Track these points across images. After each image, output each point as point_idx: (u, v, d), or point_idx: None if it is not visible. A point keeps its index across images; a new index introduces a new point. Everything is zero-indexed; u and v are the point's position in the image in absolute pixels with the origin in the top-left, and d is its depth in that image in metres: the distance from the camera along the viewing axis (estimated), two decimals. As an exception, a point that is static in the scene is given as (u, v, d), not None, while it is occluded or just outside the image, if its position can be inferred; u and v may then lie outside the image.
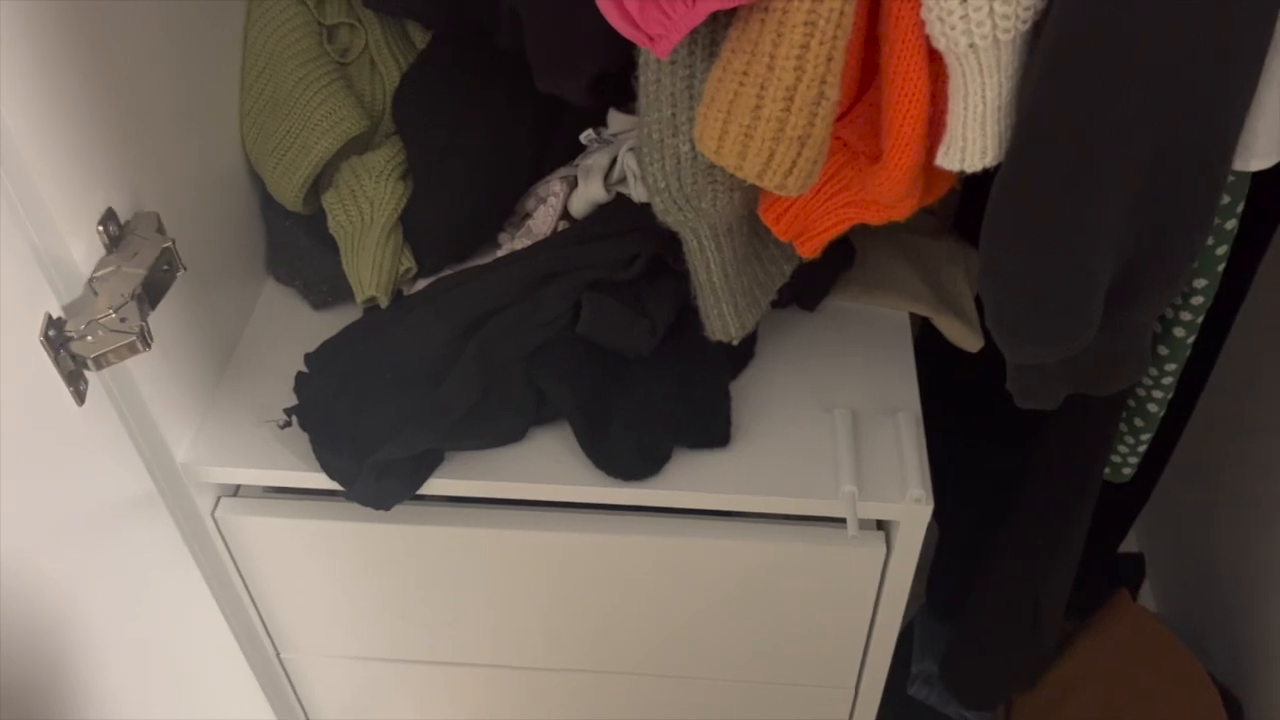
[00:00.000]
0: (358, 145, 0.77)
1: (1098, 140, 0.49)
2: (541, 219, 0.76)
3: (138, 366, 0.65)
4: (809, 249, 0.64)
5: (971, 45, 0.48)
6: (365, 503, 0.72)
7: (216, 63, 0.76)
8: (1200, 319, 0.75)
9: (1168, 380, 0.80)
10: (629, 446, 0.72)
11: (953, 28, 0.48)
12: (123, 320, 0.59)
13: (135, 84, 0.65)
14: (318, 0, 0.79)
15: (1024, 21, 0.48)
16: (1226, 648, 1.11)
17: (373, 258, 0.75)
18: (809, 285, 0.80)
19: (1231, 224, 0.70)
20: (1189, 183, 0.52)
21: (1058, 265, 0.54)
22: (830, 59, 0.50)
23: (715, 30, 0.55)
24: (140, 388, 0.66)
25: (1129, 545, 1.23)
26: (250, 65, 0.78)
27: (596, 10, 0.53)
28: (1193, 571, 1.22)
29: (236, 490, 0.78)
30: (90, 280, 0.60)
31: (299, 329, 0.79)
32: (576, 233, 0.76)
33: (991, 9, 0.47)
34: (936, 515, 1.06)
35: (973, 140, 0.51)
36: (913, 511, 0.71)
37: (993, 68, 0.49)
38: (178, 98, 0.71)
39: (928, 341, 0.86)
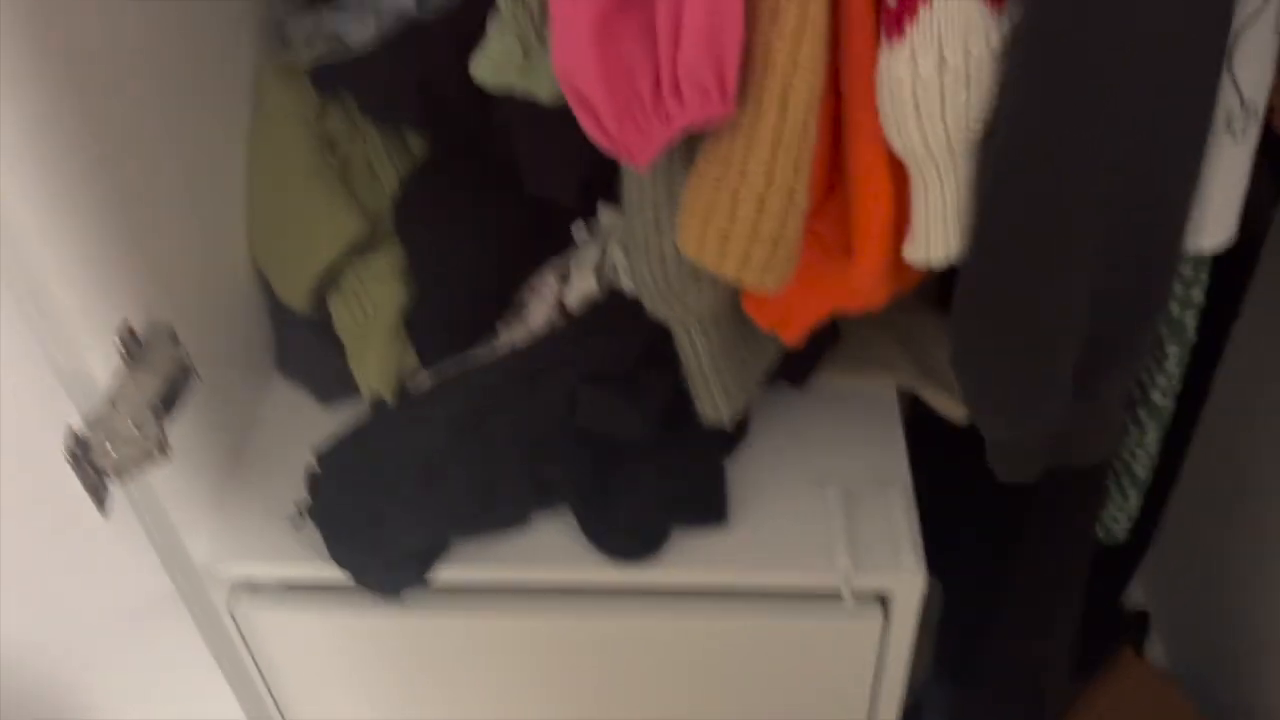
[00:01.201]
0: (360, 249, 0.81)
1: (1050, 235, 0.53)
2: (536, 311, 0.80)
3: (154, 472, 0.67)
4: (791, 337, 0.67)
5: (928, 151, 0.52)
6: (376, 592, 0.75)
7: (224, 175, 0.80)
8: (1176, 384, 0.78)
9: (1150, 442, 0.82)
10: (628, 528, 0.75)
11: (909, 136, 0.51)
12: (141, 431, 0.62)
13: (147, 199, 0.69)
14: (319, 114, 0.83)
15: (976, 128, 0.51)
16: (1236, 701, 1.12)
17: (377, 355, 0.78)
18: (798, 364, 0.83)
19: (1197, 293, 0.73)
20: (1142, 268, 0.55)
21: (1022, 352, 0.57)
22: (797, 168, 0.53)
23: (692, 140, 0.59)
24: (157, 492, 0.69)
25: (1134, 601, 1.25)
26: (258, 178, 0.82)
27: (581, 127, 0.57)
28: (1198, 625, 1.22)
29: (254, 586, 0.80)
30: (110, 394, 0.63)
31: (307, 425, 0.82)
32: (572, 328, 0.79)
33: (944, 119, 0.50)
34: (941, 583, 1.09)
35: (935, 237, 0.55)
36: (907, 582, 0.73)
37: (950, 170, 0.53)
38: (187, 210, 0.74)
39: (920, 412, 0.88)
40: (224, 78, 0.80)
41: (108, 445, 0.61)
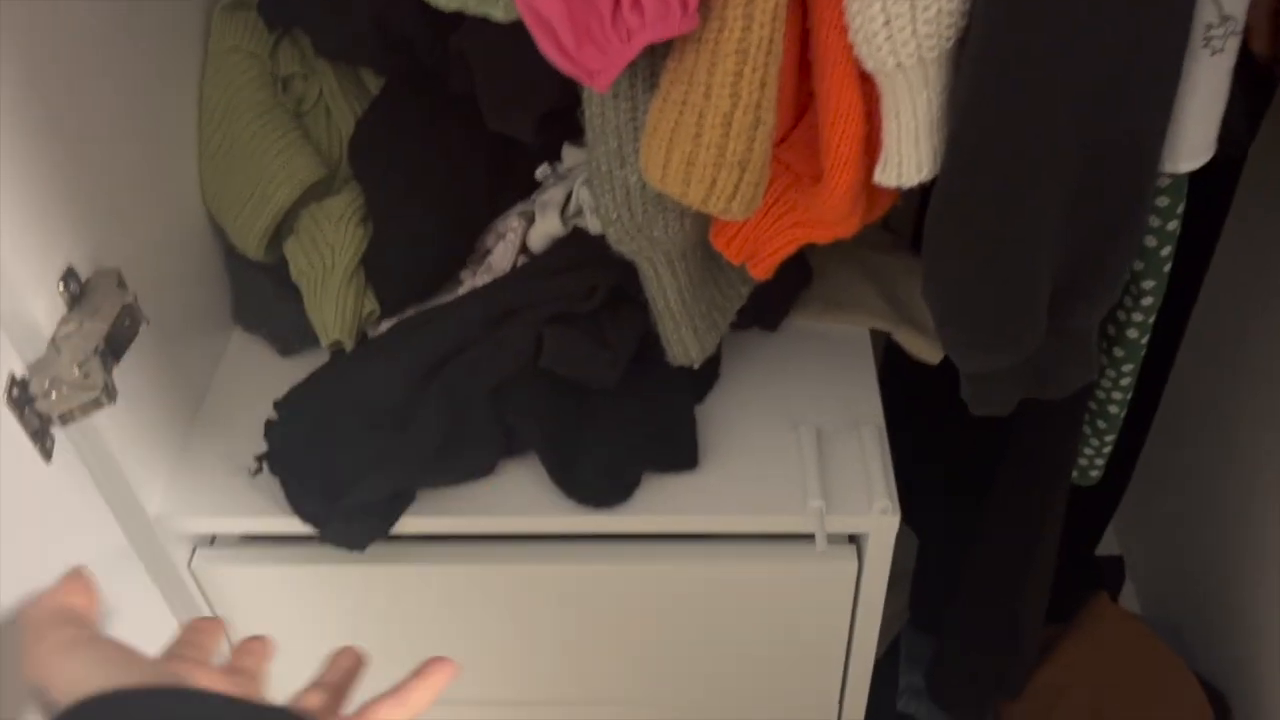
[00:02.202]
0: (317, 192, 0.78)
1: (1025, 151, 0.51)
2: (501, 255, 0.78)
3: (105, 420, 0.65)
4: (761, 270, 0.65)
5: (898, 65, 0.50)
6: (339, 544, 0.73)
7: (174, 118, 0.77)
8: (1152, 319, 0.77)
9: (1126, 381, 0.81)
10: (598, 474, 0.73)
11: (878, 49, 0.49)
12: (86, 376, 0.59)
13: (92, 143, 0.66)
14: (272, 52, 0.80)
15: (947, 40, 0.49)
16: (1211, 644, 1.12)
17: (335, 302, 0.76)
18: (769, 306, 0.81)
19: (1173, 225, 0.71)
20: (1117, 188, 0.54)
21: (996, 274, 0.55)
22: (764, 84, 0.51)
23: (654, 62, 0.56)
24: (108, 442, 0.67)
25: (1108, 548, 1.25)
26: (207, 119, 0.79)
27: (539, 50, 0.54)
28: (1173, 570, 1.23)
29: (213, 540, 0.78)
30: (53, 339, 0.61)
31: (268, 376, 0.79)
32: (535, 267, 0.77)
33: (915, 29, 0.48)
34: (914, 528, 1.08)
35: (907, 157, 0.53)
36: (881, 523, 0.72)
37: (920, 85, 0.51)
38: (135, 154, 0.72)
39: (893, 355, 0.87)
40: (172, 13, 0.77)
41: (51, 390, 0.59)
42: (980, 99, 0.50)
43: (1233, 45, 0.53)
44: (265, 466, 0.74)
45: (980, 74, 0.49)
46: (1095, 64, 0.49)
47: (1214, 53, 0.53)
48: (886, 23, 0.48)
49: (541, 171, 0.79)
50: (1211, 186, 0.69)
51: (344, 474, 0.71)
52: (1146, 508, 1.21)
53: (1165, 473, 1.17)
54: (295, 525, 0.72)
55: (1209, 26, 0.52)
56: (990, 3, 0.48)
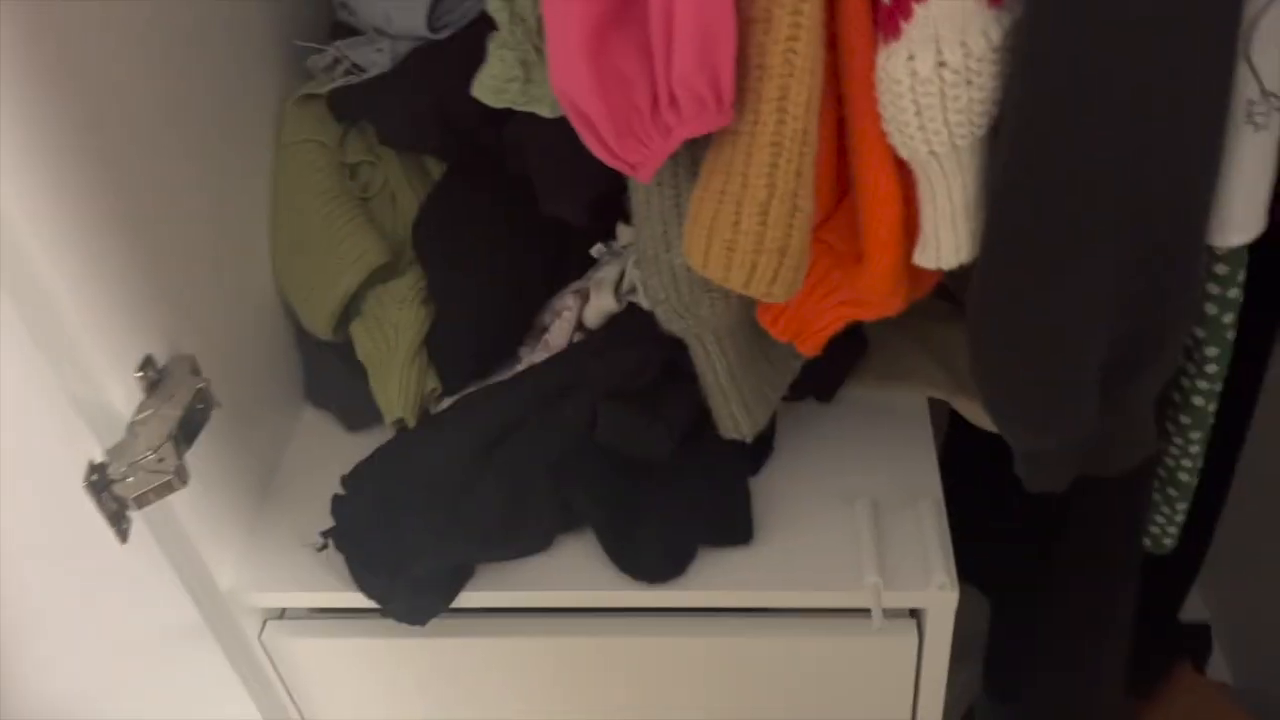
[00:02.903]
0: (383, 275, 0.81)
1: (1063, 233, 0.51)
2: (558, 332, 0.79)
3: (179, 500, 0.68)
4: (809, 348, 0.66)
5: (931, 152, 0.50)
6: (401, 619, 0.74)
7: (247, 206, 0.81)
8: (1218, 386, 0.75)
9: (1195, 449, 0.79)
10: (654, 549, 0.73)
11: (911, 138, 0.50)
12: (160, 461, 0.62)
13: (170, 233, 0.70)
14: (339, 142, 0.84)
15: (979, 127, 0.50)
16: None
17: (399, 381, 0.78)
18: (823, 377, 0.81)
19: (1234, 292, 0.70)
20: (1163, 265, 0.53)
21: (1042, 356, 0.55)
22: (800, 174, 0.52)
23: (695, 151, 0.58)
24: (182, 521, 0.70)
25: (1195, 613, 1.20)
26: (280, 206, 0.83)
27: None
28: (1263, 636, 1.18)
29: (282, 614, 0.80)
30: (130, 424, 0.64)
31: (336, 452, 0.82)
32: (591, 344, 0.78)
33: (946, 119, 0.49)
34: (985, 592, 1.06)
35: (945, 240, 0.53)
36: (939, 599, 0.71)
37: (955, 171, 0.51)
38: (211, 242, 0.75)
39: (958, 423, 0.86)
40: (246, 110, 0.81)
41: (127, 475, 0.62)
42: (1016, 183, 0.51)
43: (1276, 120, 0.53)
44: (331, 542, 0.76)
45: (1015, 158, 0.50)
46: (1132, 147, 0.49)
47: (1257, 129, 0.52)
48: (918, 113, 0.49)
49: (597, 250, 0.81)
50: (1276, 248, 0.68)
51: (406, 549, 0.73)
52: (1233, 571, 1.17)
53: (1251, 535, 1.13)
54: (361, 599, 0.74)
55: (1251, 103, 0.52)
56: (1021, 89, 0.48)
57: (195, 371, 0.68)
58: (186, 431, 0.66)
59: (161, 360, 0.68)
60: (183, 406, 0.66)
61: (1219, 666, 1.23)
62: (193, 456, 0.66)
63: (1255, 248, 0.64)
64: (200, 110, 0.74)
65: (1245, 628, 1.21)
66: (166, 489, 0.62)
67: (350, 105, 0.82)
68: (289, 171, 0.83)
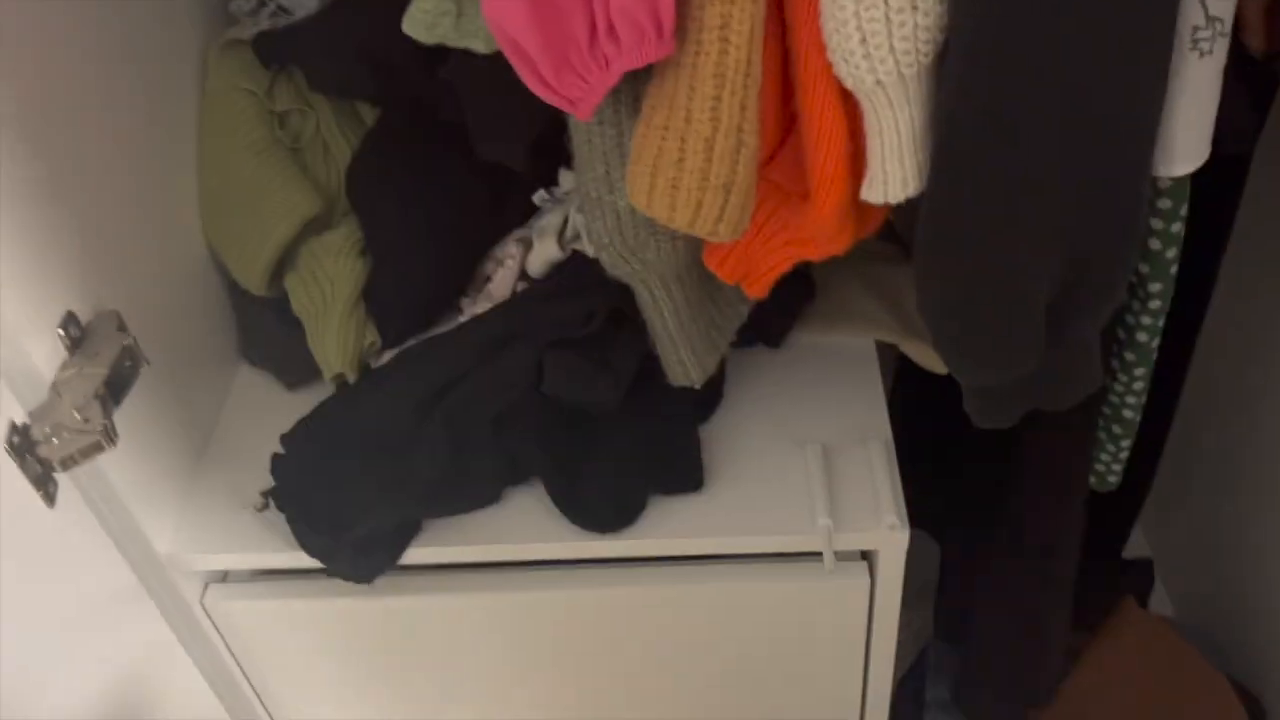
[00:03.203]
0: (316, 226, 0.79)
1: (1010, 162, 0.50)
2: (500, 282, 0.78)
3: (109, 462, 0.66)
4: (756, 289, 0.65)
5: (878, 82, 0.49)
6: (347, 577, 0.73)
7: (172, 157, 0.78)
8: (1161, 321, 0.75)
9: (1139, 385, 0.80)
10: (603, 499, 0.73)
11: (856, 67, 0.49)
12: (86, 420, 0.60)
13: (89, 186, 0.67)
14: (268, 89, 0.81)
15: (925, 55, 0.49)
16: (1244, 645, 1.10)
17: (337, 335, 0.76)
18: (771, 322, 0.81)
19: (1177, 226, 0.70)
20: (1109, 195, 0.53)
21: (989, 289, 0.54)
22: (744, 107, 0.51)
23: (637, 87, 0.56)
24: (114, 483, 0.67)
25: (1138, 549, 1.22)
26: (206, 157, 0.79)
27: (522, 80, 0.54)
28: (1203, 570, 1.20)
29: (224, 576, 0.78)
30: (53, 384, 0.61)
31: (275, 410, 0.80)
32: (534, 293, 0.77)
33: (892, 46, 0.48)
34: (935, 538, 1.07)
35: (893, 173, 0.52)
36: (890, 539, 0.71)
37: (902, 101, 0.50)
38: (133, 195, 0.72)
39: (906, 364, 0.86)
40: (167, 57, 0.78)
41: (51, 436, 0.59)
42: (963, 112, 0.50)
43: (1221, 46, 0.52)
44: (272, 502, 0.74)
45: (961, 87, 0.49)
46: (1079, 70, 0.48)
47: (1202, 55, 0.52)
48: (863, 40, 0.48)
49: (539, 197, 0.79)
50: (1219, 183, 0.68)
51: (349, 507, 0.72)
52: (1174, 508, 1.19)
53: (1191, 472, 1.15)
54: (305, 559, 0.73)
55: (1196, 29, 0.51)
56: (967, 12, 0.47)
57: (121, 328, 0.65)
58: (114, 390, 0.63)
59: (85, 317, 0.65)
60: (108, 364, 0.63)
61: (1161, 600, 1.25)
62: (123, 416, 0.63)
63: (1197, 183, 0.64)
64: (117, 59, 0.71)
65: (1186, 562, 1.24)
66: (94, 450, 0.60)
67: (277, 50, 0.79)
68: (215, 121, 0.80)
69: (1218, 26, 0.52)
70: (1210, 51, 0.52)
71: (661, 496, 0.73)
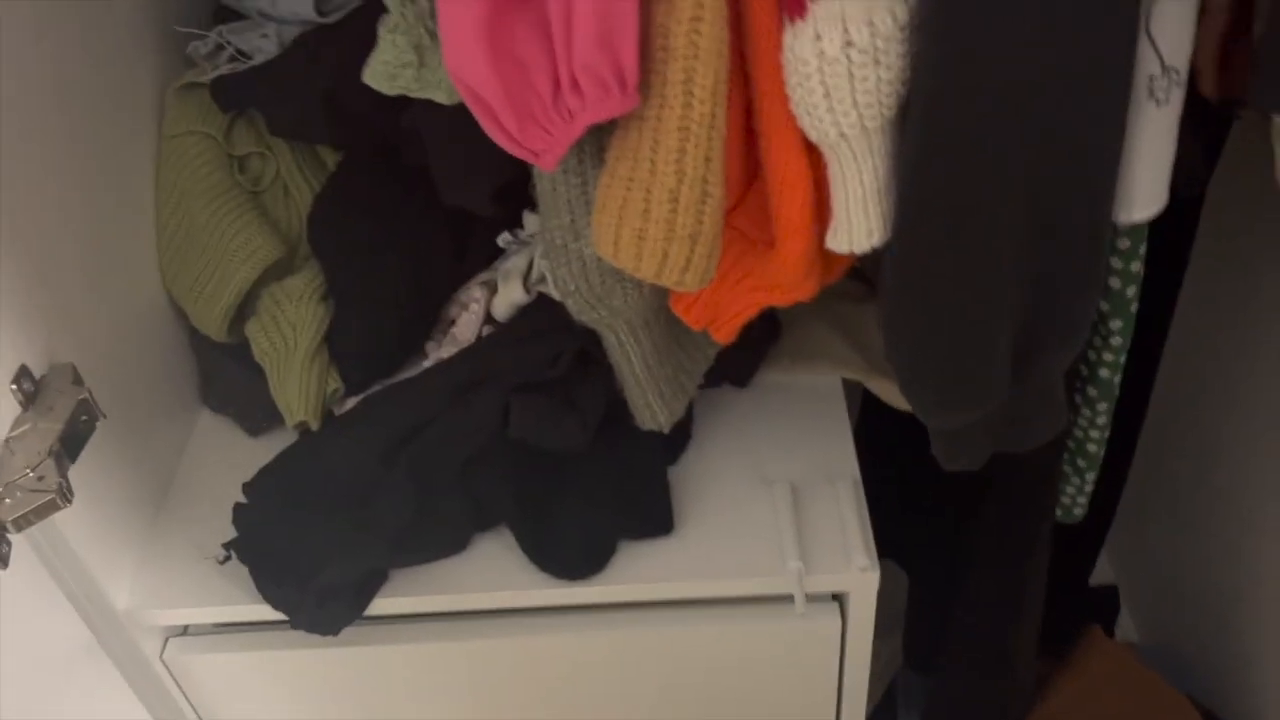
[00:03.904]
0: (277, 271, 0.78)
1: (973, 211, 0.51)
2: (465, 325, 0.77)
3: (65, 519, 0.64)
4: (723, 335, 0.65)
5: (841, 135, 0.49)
6: (311, 630, 0.71)
7: (129, 204, 0.77)
8: (1123, 358, 0.76)
9: (1102, 420, 0.81)
10: (571, 546, 0.72)
11: (820, 120, 0.49)
12: (40, 479, 0.58)
13: (41, 235, 0.66)
14: (226, 133, 0.80)
15: (888, 108, 0.49)
16: (1209, 670, 1.11)
17: (299, 382, 0.75)
18: (738, 363, 0.80)
19: (1136, 265, 0.71)
20: (1070, 240, 0.54)
21: (954, 333, 0.54)
22: (709, 159, 0.51)
23: (602, 136, 0.56)
24: (70, 540, 0.66)
25: (1103, 577, 1.23)
26: (163, 203, 0.78)
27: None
28: (1168, 596, 1.22)
29: (185, 630, 0.76)
30: (5, 441, 0.60)
31: (237, 458, 0.78)
32: (501, 336, 0.76)
33: (855, 100, 0.48)
34: (906, 570, 1.07)
35: (857, 223, 0.52)
36: (861, 580, 0.71)
37: (866, 153, 0.50)
38: (88, 243, 0.71)
39: (872, 398, 0.86)
40: (122, 101, 0.76)
41: (4, 497, 0.58)
42: (925, 163, 0.50)
43: (1177, 95, 0.53)
44: (234, 553, 0.72)
45: (923, 139, 0.49)
46: (1038, 124, 0.49)
47: (1159, 104, 0.52)
48: (826, 94, 0.48)
49: (504, 239, 0.79)
50: (1174, 222, 0.69)
51: (313, 556, 0.70)
52: (1138, 536, 1.20)
53: (1154, 500, 1.16)
54: (268, 611, 0.71)
55: (1152, 78, 0.52)
56: (929, 68, 0.48)
57: (77, 381, 0.64)
58: (69, 446, 0.62)
59: (38, 370, 0.63)
60: (64, 420, 0.62)
61: (1126, 628, 1.26)
62: (79, 470, 0.62)
63: (1154, 221, 0.65)
64: (70, 104, 0.70)
65: (1150, 589, 1.25)
66: (49, 509, 0.59)
67: (236, 94, 0.78)
68: (172, 165, 0.79)
69: (1173, 76, 0.53)
70: (1166, 100, 0.53)
71: (631, 541, 0.73)
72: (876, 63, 0.47)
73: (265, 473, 0.75)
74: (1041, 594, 0.93)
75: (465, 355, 0.76)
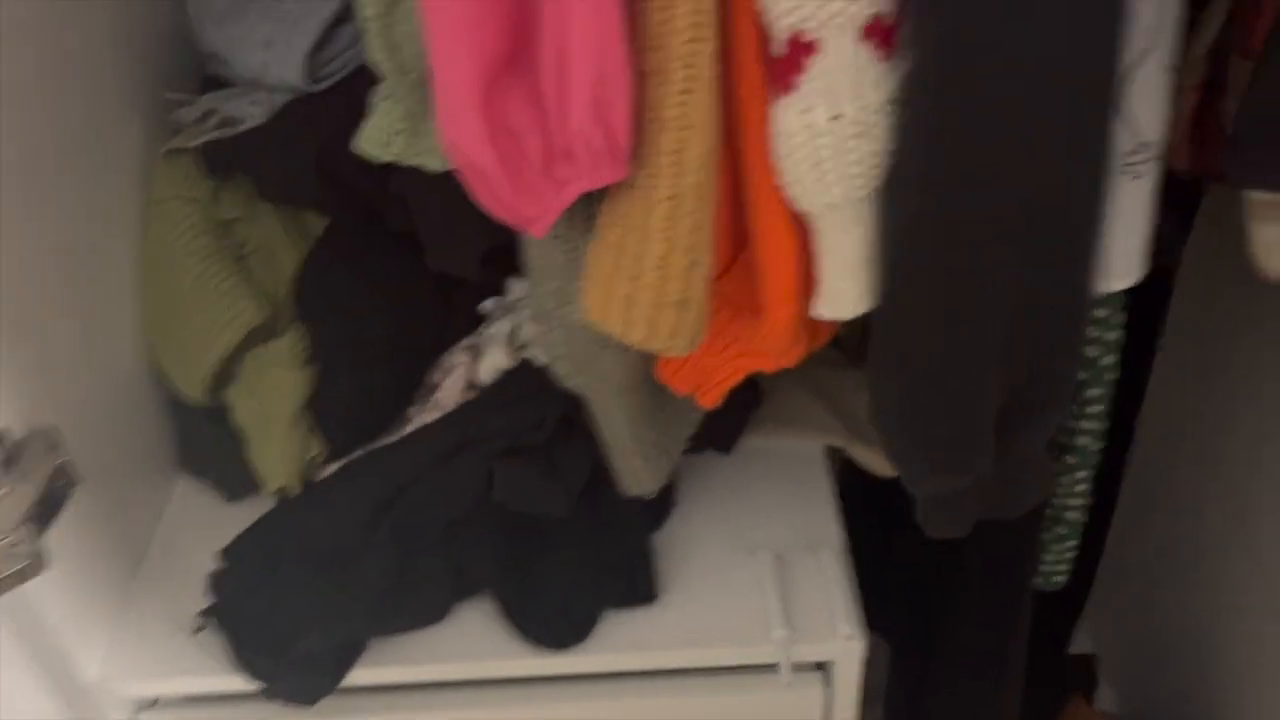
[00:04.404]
0: (260, 336, 0.77)
1: (957, 282, 0.51)
2: (448, 391, 0.77)
3: (37, 587, 0.63)
4: (709, 400, 0.65)
5: (829, 205, 0.50)
6: (289, 700, 0.70)
7: (110, 268, 0.76)
8: (1103, 426, 0.77)
9: (1081, 488, 0.82)
10: (554, 614, 0.71)
11: (807, 191, 0.50)
12: (14, 546, 0.57)
13: (23, 298, 0.65)
14: (213, 197, 0.80)
15: (876, 179, 0.50)
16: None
17: (280, 447, 0.74)
18: (722, 428, 0.81)
19: (1114, 334, 0.72)
20: (1055, 312, 0.54)
21: (940, 406, 0.55)
22: (698, 227, 0.52)
23: (592, 204, 0.57)
24: (40, 608, 0.64)
25: (1082, 647, 1.23)
26: (149, 266, 0.78)
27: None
28: (1146, 663, 1.21)
29: (155, 702, 0.74)
30: (-20, 507, 0.59)
31: (215, 524, 0.77)
32: (485, 400, 0.76)
33: (843, 173, 0.49)
34: (886, 639, 1.06)
35: (844, 291, 0.53)
36: (846, 649, 0.71)
37: (852, 223, 0.51)
38: (69, 307, 0.71)
39: (851, 465, 0.87)
40: (107, 166, 0.77)
41: (-23, 563, 0.56)
42: (909, 236, 0.51)
43: (1151, 169, 0.55)
44: (210, 621, 0.71)
45: (908, 211, 0.50)
46: (1019, 199, 0.50)
47: (1135, 178, 0.54)
48: (815, 165, 0.49)
49: (488, 305, 0.79)
50: (1150, 291, 0.71)
51: (290, 625, 0.69)
52: (1116, 603, 1.20)
53: (1132, 566, 1.16)
54: (241, 683, 0.70)
55: (1127, 154, 0.54)
56: (913, 142, 0.49)
57: (54, 446, 0.63)
58: (45, 511, 0.61)
59: (16, 434, 0.63)
60: (40, 485, 0.60)
61: (1105, 698, 1.26)
62: (53, 535, 0.61)
63: (1130, 290, 0.66)
64: (55, 169, 0.70)
65: (1128, 656, 1.24)
66: (21, 577, 0.57)
67: (225, 158, 0.79)
68: (158, 230, 0.79)
69: (1148, 150, 0.54)
70: (1142, 175, 0.54)
71: (614, 610, 0.72)
72: (864, 135, 0.48)
73: (243, 538, 0.74)
74: (1023, 661, 0.93)
75: (448, 420, 0.76)
